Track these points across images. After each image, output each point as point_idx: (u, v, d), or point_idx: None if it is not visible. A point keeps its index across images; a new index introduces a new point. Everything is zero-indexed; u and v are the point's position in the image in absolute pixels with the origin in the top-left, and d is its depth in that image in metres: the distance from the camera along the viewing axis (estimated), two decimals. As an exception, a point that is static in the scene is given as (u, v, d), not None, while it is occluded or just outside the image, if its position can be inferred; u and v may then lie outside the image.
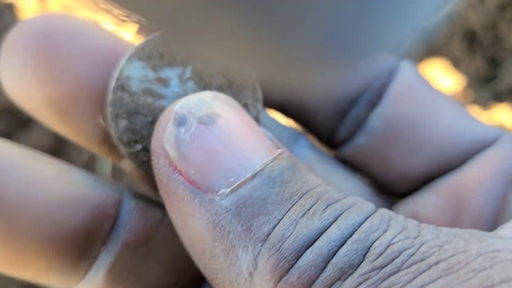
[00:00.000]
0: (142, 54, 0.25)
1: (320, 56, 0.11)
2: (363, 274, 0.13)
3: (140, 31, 0.25)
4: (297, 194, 0.15)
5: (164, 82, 0.25)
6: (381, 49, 0.13)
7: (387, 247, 0.13)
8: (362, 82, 0.26)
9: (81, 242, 0.22)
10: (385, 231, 0.14)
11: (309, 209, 0.14)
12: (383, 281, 0.13)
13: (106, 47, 0.24)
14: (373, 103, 0.27)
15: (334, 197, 0.15)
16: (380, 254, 0.13)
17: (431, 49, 0.60)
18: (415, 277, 0.13)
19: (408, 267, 0.13)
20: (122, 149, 0.25)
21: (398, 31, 0.12)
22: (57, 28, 0.22)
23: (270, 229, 0.14)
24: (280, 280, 0.14)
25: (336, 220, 0.14)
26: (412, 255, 0.13)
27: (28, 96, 0.22)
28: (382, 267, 0.13)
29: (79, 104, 0.23)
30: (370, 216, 0.14)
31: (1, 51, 0.22)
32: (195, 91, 0.25)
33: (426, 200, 0.24)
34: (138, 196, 0.25)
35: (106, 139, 0.25)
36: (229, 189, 0.15)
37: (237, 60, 0.13)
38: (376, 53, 0.13)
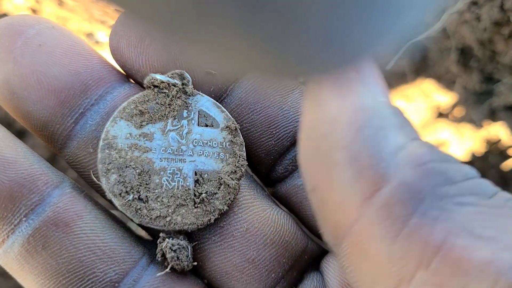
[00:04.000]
0: (124, 114, 0.27)
1: (314, 55, 0.12)
2: (498, 203, 0.16)
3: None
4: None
5: (148, 136, 0.28)
6: (373, 50, 0.13)
7: (511, 198, 0.17)
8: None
9: (3, 202, 0.24)
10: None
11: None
12: (455, 198, 0.16)
13: (62, 43, 0.27)
14: None
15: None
16: (508, 200, 0.17)
17: (426, 64, 0.60)
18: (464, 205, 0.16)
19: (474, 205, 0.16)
20: (115, 201, 0.27)
21: (390, 33, 0.12)
22: (25, 23, 0.26)
23: (416, 137, 0.18)
24: (425, 164, 0.17)
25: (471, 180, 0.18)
26: (478, 194, 0.16)
27: None
28: (510, 208, 0.16)
29: (28, 85, 0.25)
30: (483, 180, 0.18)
31: None
32: (177, 141, 0.28)
33: None
34: (78, 188, 0.27)
35: (45, 126, 0.27)
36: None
37: (232, 60, 0.13)
38: (368, 54, 0.13)
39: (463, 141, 0.63)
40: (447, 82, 0.61)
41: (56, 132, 0.27)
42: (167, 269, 0.27)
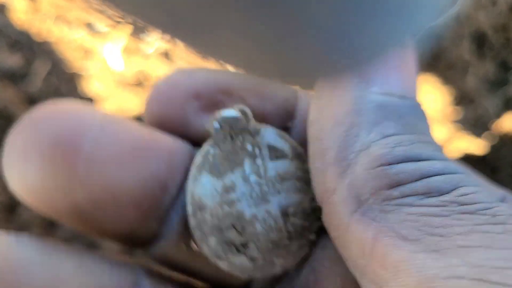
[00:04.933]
0: (203, 169, 0.26)
1: (323, 58, 0.11)
2: (443, 201, 0.16)
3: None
4: (426, 131, 0.18)
5: (231, 187, 0.26)
6: (384, 51, 0.12)
7: (471, 194, 0.16)
8: None
9: None
10: (476, 186, 0.16)
11: (430, 142, 0.17)
12: (454, 214, 0.15)
13: (124, 144, 0.22)
14: None
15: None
16: (464, 195, 0.16)
17: (438, 52, 0.58)
18: (477, 225, 0.15)
19: (480, 215, 0.15)
20: (220, 264, 0.26)
21: (401, 33, 0.12)
22: (73, 124, 0.21)
23: (394, 133, 0.17)
24: (378, 166, 0.17)
25: (445, 160, 0.17)
26: (487, 209, 0.15)
27: (49, 203, 0.21)
28: (460, 205, 0.16)
29: (106, 208, 0.22)
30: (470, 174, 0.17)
31: (6, 152, 0.20)
32: (258, 183, 0.26)
33: None
34: (151, 274, 0.25)
35: (126, 237, 0.24)
36: (384, 91, 0.18)
37: (241, 63, 0.13)
38: (379, 55, 0.13)
39: (475, 132, 0.62)
40: (460, 71, 0.59)
41: (139, 239, 0.24)
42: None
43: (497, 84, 0.59)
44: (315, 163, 0.21)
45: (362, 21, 0.10)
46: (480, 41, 0.56)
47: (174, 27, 0.10)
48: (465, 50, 0.56)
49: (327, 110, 0.19)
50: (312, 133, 0.21)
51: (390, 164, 0.17)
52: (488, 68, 0.57)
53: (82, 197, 0.21)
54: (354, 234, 0.18)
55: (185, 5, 0.09)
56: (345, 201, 0.18)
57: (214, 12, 0.09)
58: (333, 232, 0.21)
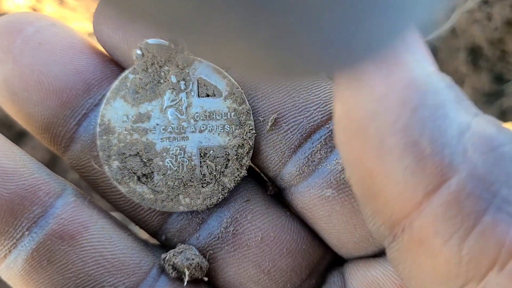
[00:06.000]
0: (118, 94, 0.26)
1: (320, 56, 0.11)
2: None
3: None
4: None
5: (145, 116, 0.26)
6: (379, 49, 0.12)
7: None
8: (317, 116, 0.25)
9: (4, 216, 0.23)
10: None
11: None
12: None
13: (63, 41, 0.26)
14: (331, 142, 0.25)
15: None
16: None
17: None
18: None
19: None
20: (120, 188, 0.26)
21: (396, 32, 0.12)
22: (24, 20, 0.25)
23: (476, 111, 0.16)
24: (497, 148, 0.14)
25: None
26: None
27: None
28: None
29: (29, 86, 0.25)
30: None
31: None
32: (177, 117, 0.26)
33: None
34: (81, 195, 0.26)
35: (47, 129, 0.26)
36: (437, 70, 0.17)
37: (236, 60, 0.13)
38: (374, 54, 0.13)
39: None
40: (456, 83, 0.60)
41: (59, 135, 0.26)
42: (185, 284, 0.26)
43: (493, 96, 0.59)
44: (400, 162, 0.15)
45: (359, 18, 0.10)
46: (476, 54, 0.56)
47: (175, 30, 0.11)
48: (461, 63, 0.57)
49: (387, 95, 0.15)
50: (368, 126, 0.16)
51: (506, 144, 0.14)
52: (484, 80, 0.58)
53: (12, 73, 0.25)
54: (481, 243, 0.14)
55: (185, 7, 0.10)
56: (468, 199, 0.14)
57: (212, 12, 0.09)
58: (424, 256, 0.16)
